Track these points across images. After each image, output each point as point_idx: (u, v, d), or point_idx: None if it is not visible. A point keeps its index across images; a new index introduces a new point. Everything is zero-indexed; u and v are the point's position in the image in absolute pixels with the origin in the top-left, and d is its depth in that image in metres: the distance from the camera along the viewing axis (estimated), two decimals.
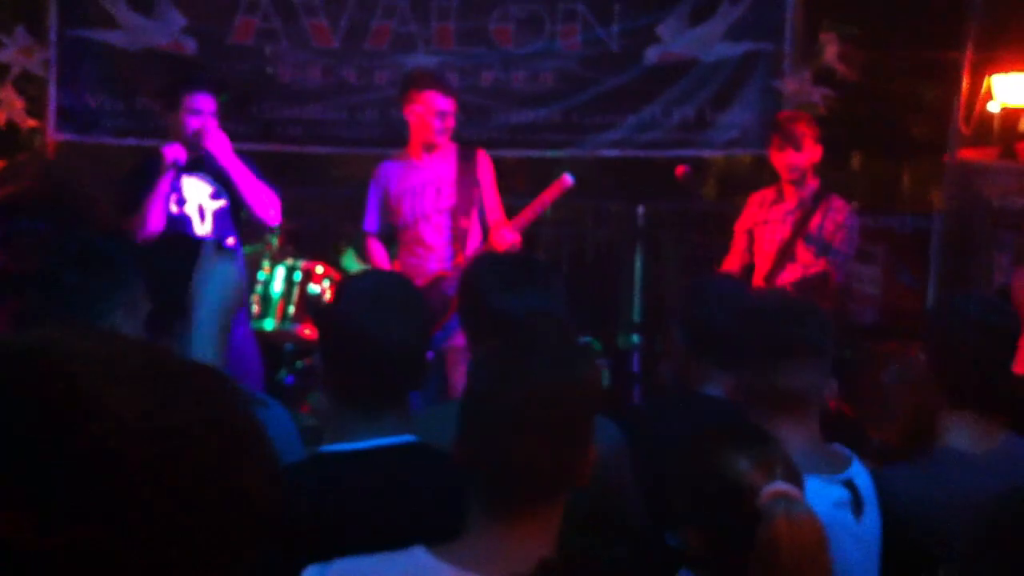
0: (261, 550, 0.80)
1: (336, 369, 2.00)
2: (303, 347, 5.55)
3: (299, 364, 5.53)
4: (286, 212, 5.09)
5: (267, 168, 5.17)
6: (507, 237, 4.93)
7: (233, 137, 5.18)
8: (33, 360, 0.77)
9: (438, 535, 1.67)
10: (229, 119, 5.14)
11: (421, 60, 6.30)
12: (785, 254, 5.07)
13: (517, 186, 6.01)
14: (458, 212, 5.05)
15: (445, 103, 4.98)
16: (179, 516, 0.75)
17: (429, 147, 5.07)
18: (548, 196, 4.96)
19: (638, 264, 6.17)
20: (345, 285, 2.13)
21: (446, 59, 6.34)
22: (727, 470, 1.78)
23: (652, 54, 6.40)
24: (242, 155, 4.98)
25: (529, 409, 1.63)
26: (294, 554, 1.72)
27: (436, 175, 5.09)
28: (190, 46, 6.21)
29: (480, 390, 1.70)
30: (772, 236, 5.15)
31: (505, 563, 1.58)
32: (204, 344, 2.04)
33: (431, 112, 4.97)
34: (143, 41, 6.17)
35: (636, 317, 6.55)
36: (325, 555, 1.72)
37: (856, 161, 6.92)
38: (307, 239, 6.14)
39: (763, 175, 5.72)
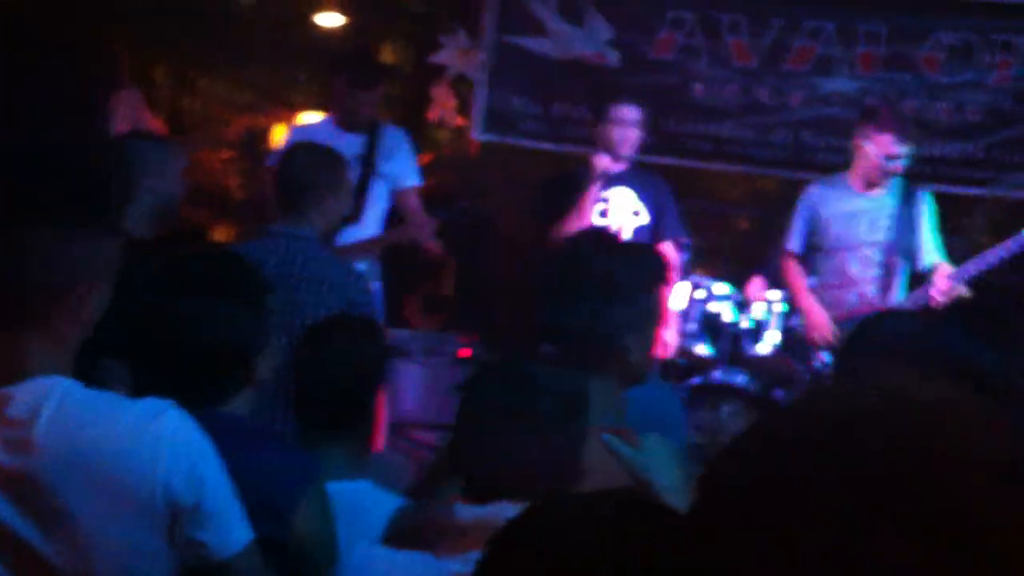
0: None
1: None
2: (696, 364, 5.56)
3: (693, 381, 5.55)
4: (689, 226, 5.16)
5: (672, 178, 5.26)
6: (945, 285, 4.74)
7: (643, 149, 5.32)
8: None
9: None
10: (645, 132, 5.26)
11: (840, 83, 6.15)
12: None
13: None
14: (891, 248, 4.90)
15: (900, 148, 4.85)
16: None
17: (871, 184, 4.95)
18: (1006, 249, 4.73)
19: None
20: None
21: (867, 84, 6.15)
22: None
23: None
24: (660, 172, 5.09)
25: None
26: None
27: (873, 207, 4.95)
28: (613, 58, 6.37)
29: None
30: None
31: None
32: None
33: (884, 154, 4.85)
34: (569, 50, 6.40)
35: None
36: None
37: None
38: (706, 255, 6.16)
39: None
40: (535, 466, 1.77)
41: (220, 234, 6.65)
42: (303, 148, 3.74)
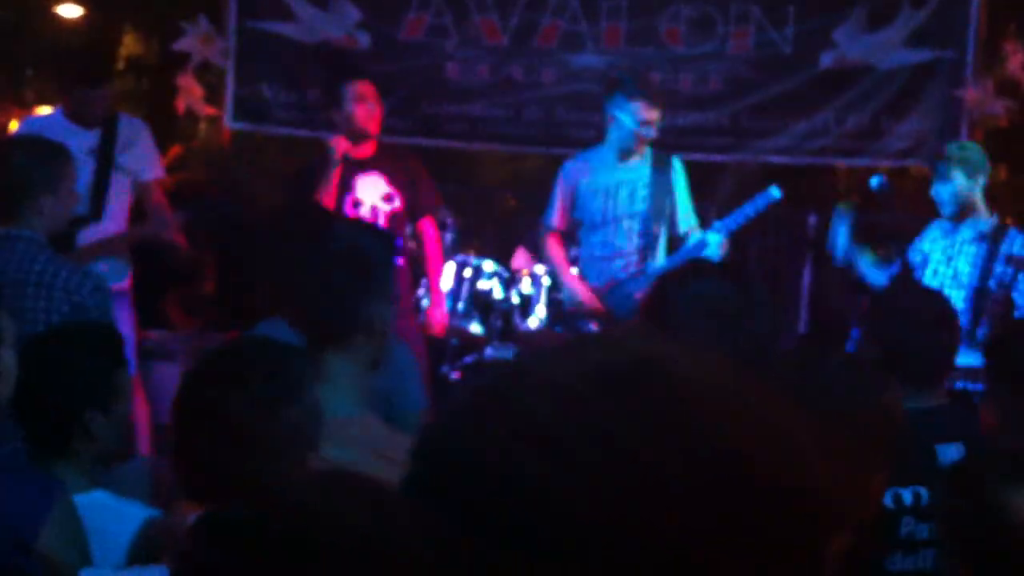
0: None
1: None
2: (469, 343, 5.57)
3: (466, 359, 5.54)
4: (452, 209, 5.14)
5: (432, 164, 5.21)
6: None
7: (400, 132, 5.26)
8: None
9: None
10: (397, 114, 5.22)
11: (589, 59, 6.27)
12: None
13: None
14: (650, 217, 5.00)
15: (652, 113, 4.93)
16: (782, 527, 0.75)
17: (627, 153, 5.02)
18: (753, 208, 4.88)
19: (806, 275, 6.01)
20: (682, 285, 2.04)
21: (613, 59, 6.29)
22: (1002, 502, 1.69)
23: (826, 59, 6.22)
24: (408, 149, 5.03)
25: None
26: None
27: (631, 178, 5.04)
28: (363, 40, 6.30)
29: None
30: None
31: None
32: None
33: (635, 120, 4.92)
34: (318, 34, 6.30)
35: (801, 329, 6.38)
36: None
37: None
38: (472, 235, 6.17)
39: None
40: (248, 455, 1.70)
41: None
42: (13, 144, 3.53)
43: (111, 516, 2.10)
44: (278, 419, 1.74)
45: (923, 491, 2.40)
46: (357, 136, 4.87)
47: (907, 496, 2.42)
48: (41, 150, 3.38)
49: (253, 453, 1.69)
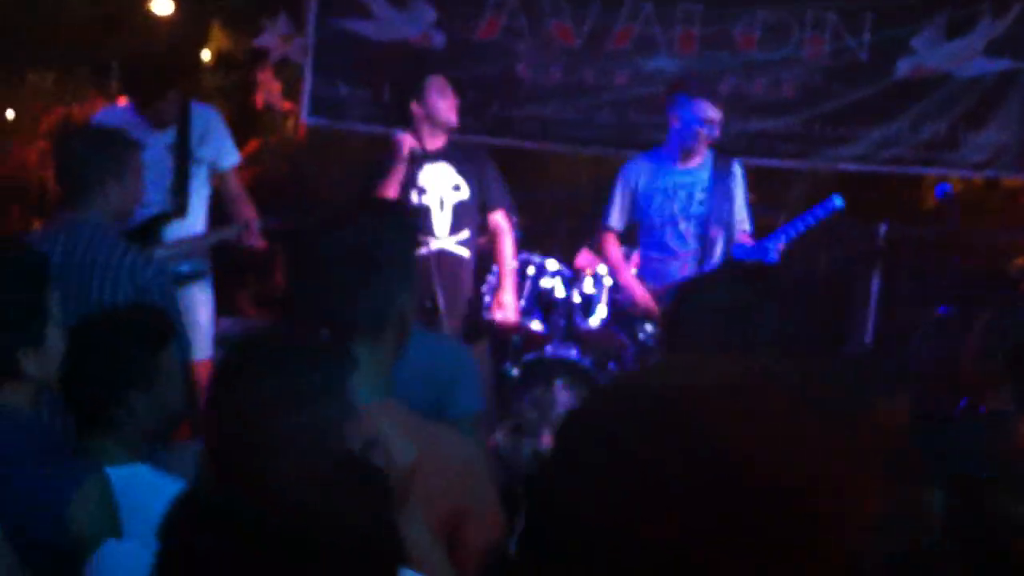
0: None
1: None
2: (530, 341, 5.62)
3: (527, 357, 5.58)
4: (519, 208, 5.16)
5: (500, 164, 5.26)
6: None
7: (471, 131, 5.32)
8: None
9: None
10: (469, 114, 5.27)
11: (662, 63, 6.29)
12: None
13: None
14: (708, 220, 5.00)
15: (715, 113, 4.94)
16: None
17: (688, 154, 5.04)
18: (813, 216, 4.86)
19: (874, 285, 5.95)
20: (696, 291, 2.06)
21: (687, 62, 6.29)
22: (1009, 511, 1.71)
23: (904, 67, 6.16)
24: (479, 146, 5.07)
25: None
26: None
27: (690, 180, 5.04)
28: (438, 40, 6.39)
29: None
30: None
31: None
32: None
33: (698, 119, 4.94)
34: (395, 33, 6.40)
35: (868, 339, 6.32)
36: None
37: None
38: (537, 235, 6.22)
39: (1017, 201, 5.41)
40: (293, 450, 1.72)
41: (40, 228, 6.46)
42: (80, 132, 3.64)
43: (150, 490, 2.19)
44: (314, 414, 1.75)
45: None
46: (436, 128, 4.91)
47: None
48: (103, 137, 3.47)
49: (278, 447, 1.70)
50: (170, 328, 2.51)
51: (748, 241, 4.98)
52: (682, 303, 1.98)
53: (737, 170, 5.10)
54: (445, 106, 4.89)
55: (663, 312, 2.24)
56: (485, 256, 5.21)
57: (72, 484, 2.08)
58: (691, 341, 1.94)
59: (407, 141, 4.84)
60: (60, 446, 2.28)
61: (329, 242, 2.12)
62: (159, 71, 4.65)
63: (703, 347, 1.90)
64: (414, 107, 4.95)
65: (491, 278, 5.35)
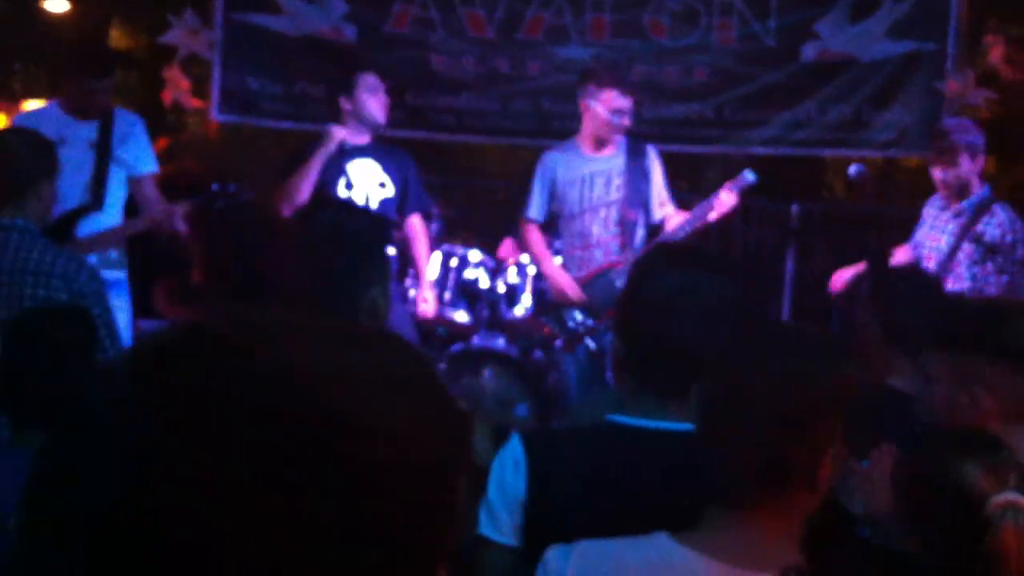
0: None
1: (637, 355, 1.99)
2: (456, 332, 5.60)
3: (453, 348, 5.56)
4: (439, 198, 5.17)
5: (419, 154, 5.24)
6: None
7: (388, 124, 5.28)
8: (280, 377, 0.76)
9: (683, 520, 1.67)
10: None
11: (574, 51, 6.32)
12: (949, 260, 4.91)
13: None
14: (626, 205, 5.04)
15: (625, 102, 4.97)
16: (403, 519, 0.75)
17: (601, 142, 5.07)
18: (728, 191, 4.91)
19: (789, 264, 6.05)
20: (651, 274, 2.09)
21: (599, 51, 6.33)
22: (955, 475, 1.75)
23: (809, 51, 6.28)
24: (395, 141, 5.06)
25: (774, 400, 1.61)
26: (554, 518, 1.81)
27: (606, 167, 5.08)
28: (349, 33, 6.33)
29: (722, 378, 1.69)
30: (935, 242, 4.98)
31: (745, 555, 1.59)
32: None
33: (610, 109, 4.96)
34: (305, 27, 6.33)
35: (785, 317, 6.43)
36: (580, 521, 1.79)
37: None
38: (459, 225, 6.20)
39: (923, 179, 5.55)
40: None
41: None
42: (14, 133, 3.58)
43: None
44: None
45: None
46: (366, 125, 4.91)
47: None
48: (40, 139, 3.46)
49: None
50: (92, 328, 2.47)
51: (683, 217, 5.03)
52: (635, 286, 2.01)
53: (651, 152, 5.15)
54: (375, 104, 4.89)
55: (616, 299, 2.27)
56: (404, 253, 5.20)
57: (17, 485, 2.02)
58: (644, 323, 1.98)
59: (339, 134, 4.83)
60: (3, 447, 2.21)
61: (302, 232, 2.12)
62: (99, 51, 4.71)
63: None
64: (342, 102, 4.94)
65: (412, 271, 5.34)
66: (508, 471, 1.89)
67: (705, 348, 1.90)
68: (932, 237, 4.97)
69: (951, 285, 4.76)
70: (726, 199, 4.91)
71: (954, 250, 4.82)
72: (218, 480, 0.72)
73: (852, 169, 5.25)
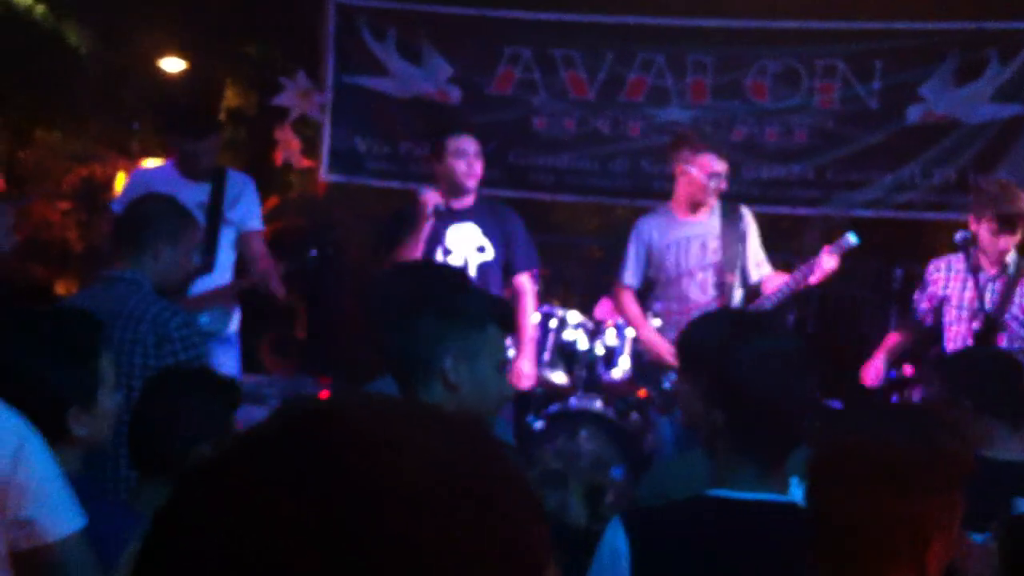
0: None
1: (740, 422, 2.01)
2: (554, 393, 5.64)
3: (550, 409, 5.59)
4: (539, 258, 5.22)
5: (520, 214, 5.32)
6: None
7: (488, 183, 5.37)
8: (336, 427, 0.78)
9: None
10: (487, 165, 5.32)
11: (675, 114, 6.36)
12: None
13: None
14: (723, 268, 5.05)
15: (720, 165, 5.00)
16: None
17: (696, 206, 5.09)
18: (829, 254, 4.89)
19: (891, 328, 5.97)
20: (747, 341, 2.12)
21: (699, 113, 6.38)
22: None
23: (913, 113, 6.24)
24: (508, 205, 5.14)
25: (885, 470, 1.62)
26: None
27: (701, 231, 5.10)
28: (454, 95, 6.47)
29: (831, 450, 1.71)
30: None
31: None
32: None
33: (705, 173, 4.99)
34: (411, 88, 6.48)
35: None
36: None
37: None
38: (558, 285, 6.26)
39: None
40: None
41: (62, 287, 6.49)
42: (150, 196, 3.71)
43: None
44: None
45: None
46: (455, 189, 4.97)
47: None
48: (174, 206, 3.54)
49: None
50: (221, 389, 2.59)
51: (781, 278, 5.03)
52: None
53: (746, 213, 5.16)
54: (463, 169, 4.93)
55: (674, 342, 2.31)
56: None
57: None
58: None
59: (431, 199, 4.88)
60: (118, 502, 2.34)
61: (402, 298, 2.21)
62: (202, 111, 4.81)
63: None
64: (434, 166, 5.02)
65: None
66: (608, 559, 1.92)
67: (805, 411, 1.93)
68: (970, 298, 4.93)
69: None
70: (827, 262, 4.89)
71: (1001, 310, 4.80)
72: None
73: (959, 235, 5.19)
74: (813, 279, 4.93)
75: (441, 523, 0.74)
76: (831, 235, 5.34)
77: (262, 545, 0.72)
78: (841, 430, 1.73)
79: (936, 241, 6.31)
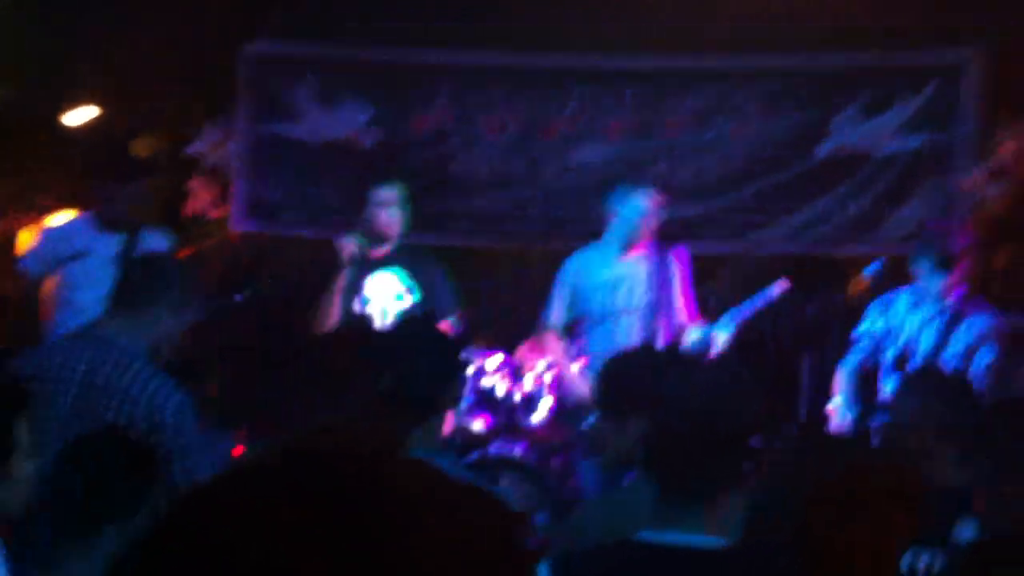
0: None
1: (664, 460, 1.98)
2: (472, 440, 5.59)
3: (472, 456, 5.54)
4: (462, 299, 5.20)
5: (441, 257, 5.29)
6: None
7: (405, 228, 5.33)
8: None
9: None
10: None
11: (592, 154, 6.36)
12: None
13: None
14: (651, 310, 5.04)
15: (653, 203, 5.01)
16: None
17: (629, 246, 5.08)
18: (764, 299, 4.92)
19: (805, 363, 6.01)
20: (672, 378, 2.14)
21: (614, 151, 6.37)
22: None
23: (823, 149, 6.30)
24: (429, 252, 5.13)
25: (834, 490, 1.64)
26: None
27: (631, 272, 5.08)
28: (367, 140, 6.42)
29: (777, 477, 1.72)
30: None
31: None
32: None
33: (639, 211, 5.00)
34: (323, 134, 6.42)
35: (801, 415, 6.37)
36: None
37: None
38: (478, 329, 6.20)
39: None
40: None
41: None
42: (158, 257, 3.67)
43: None
44: None
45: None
46: (376, 238, 4.96)
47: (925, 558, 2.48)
48: (174, 269, 3.49)
49: None
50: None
51: (699, 324, 5.04)
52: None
53: (674, 257, 5.16)
54: (384, 219, 4.94)
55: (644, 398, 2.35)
56: None
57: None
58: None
59: (348, 247, 4.88)
60: None
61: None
62: (123, 155, 4.84)
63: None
64: (361, 215, 5.02)
65: None
66: None
67: (737, 448, 1.92)
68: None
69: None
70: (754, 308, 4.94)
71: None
72: None
73: (868, 269, 5.25)
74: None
75: (441, 523, 0.77)
76: (746, 273, 5.37)
77: (265, 552, 0.73)
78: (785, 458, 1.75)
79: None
